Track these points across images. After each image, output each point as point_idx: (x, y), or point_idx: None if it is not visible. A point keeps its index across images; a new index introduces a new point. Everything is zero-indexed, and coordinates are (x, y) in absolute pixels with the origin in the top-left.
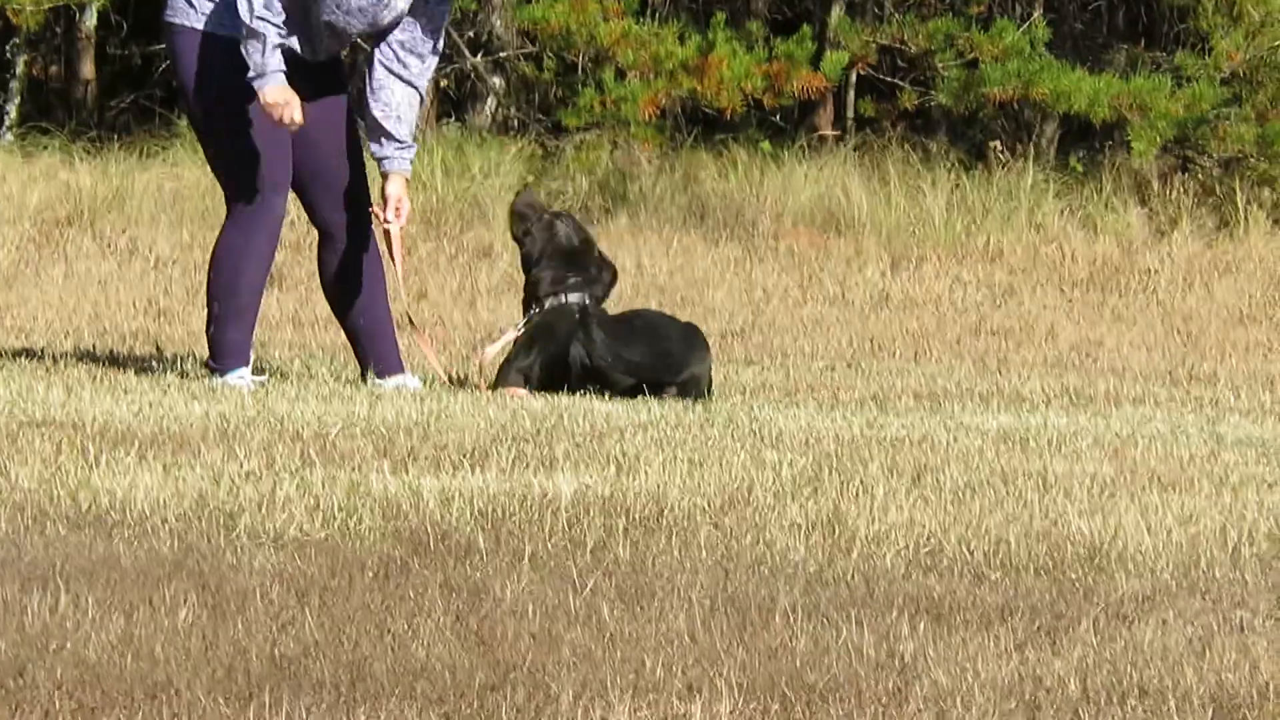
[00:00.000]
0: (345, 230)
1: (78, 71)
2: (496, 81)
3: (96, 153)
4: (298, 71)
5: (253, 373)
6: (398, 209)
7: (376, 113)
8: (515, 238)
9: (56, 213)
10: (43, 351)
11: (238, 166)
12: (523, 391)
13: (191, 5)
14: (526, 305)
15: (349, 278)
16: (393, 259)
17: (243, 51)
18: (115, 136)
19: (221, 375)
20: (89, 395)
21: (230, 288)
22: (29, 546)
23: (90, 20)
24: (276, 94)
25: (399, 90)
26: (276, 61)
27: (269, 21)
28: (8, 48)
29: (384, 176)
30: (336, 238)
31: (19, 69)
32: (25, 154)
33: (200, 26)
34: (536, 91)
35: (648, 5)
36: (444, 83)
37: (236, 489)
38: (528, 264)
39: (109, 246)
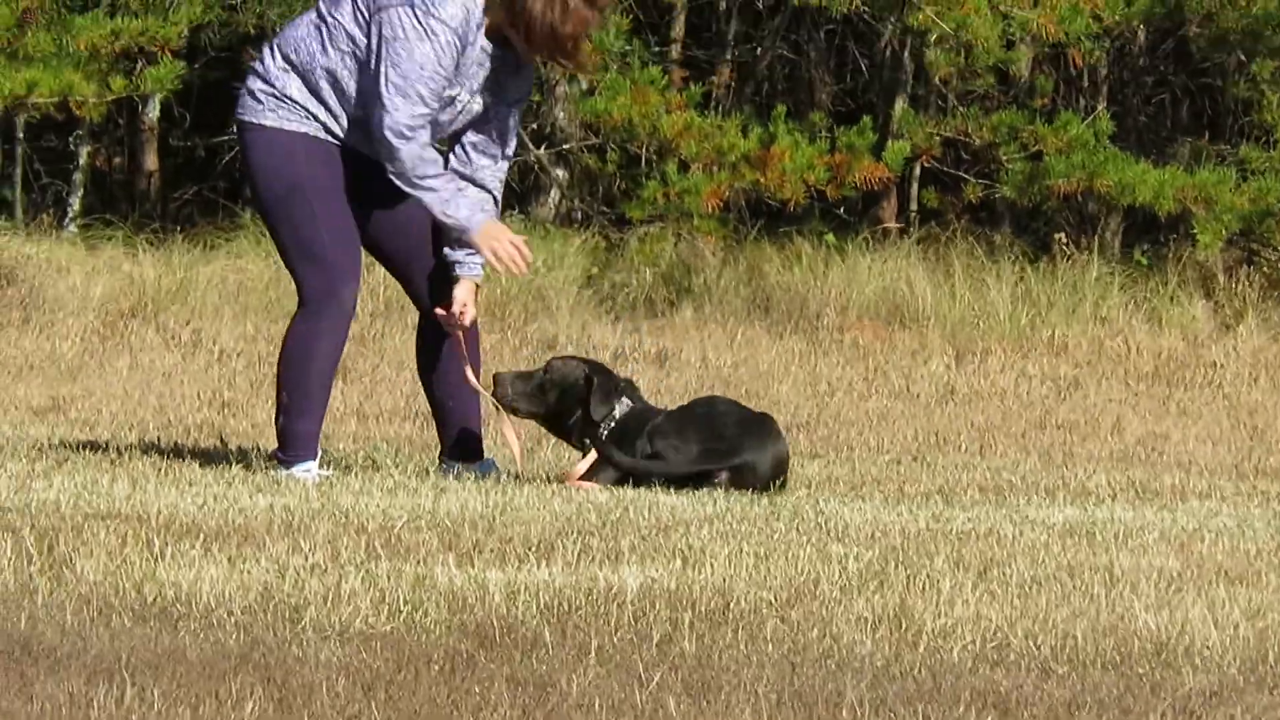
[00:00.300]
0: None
1: (141, 163)
2: (560, 174)
3: (160, 244)
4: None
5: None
6: (462, 312)
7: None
8: (526, 408)
9: (120, 305)
10: (107, 444)
11: (307, 259)
12: (589, 485)
13: (260, 101)
14: (587, 433)
15: (446, 359)
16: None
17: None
18: (179, 228)
19: (288, 467)
20: (154, 488)
21: (299, 379)
22: (95, 639)
23: (153, 112)
24: (487, 239)
25: (471, 194)
26: (467, 206)
27: (429, 176)
28: (71, 139)
29: (454, 280)
30: (438, 321)
31: (82, 160)
32: (89, 245)
33: (269, 123)
34: (600, 184)
35: (710, 97)
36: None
37: (302, 582)
38: (562, 404)
39: (173, 339)
